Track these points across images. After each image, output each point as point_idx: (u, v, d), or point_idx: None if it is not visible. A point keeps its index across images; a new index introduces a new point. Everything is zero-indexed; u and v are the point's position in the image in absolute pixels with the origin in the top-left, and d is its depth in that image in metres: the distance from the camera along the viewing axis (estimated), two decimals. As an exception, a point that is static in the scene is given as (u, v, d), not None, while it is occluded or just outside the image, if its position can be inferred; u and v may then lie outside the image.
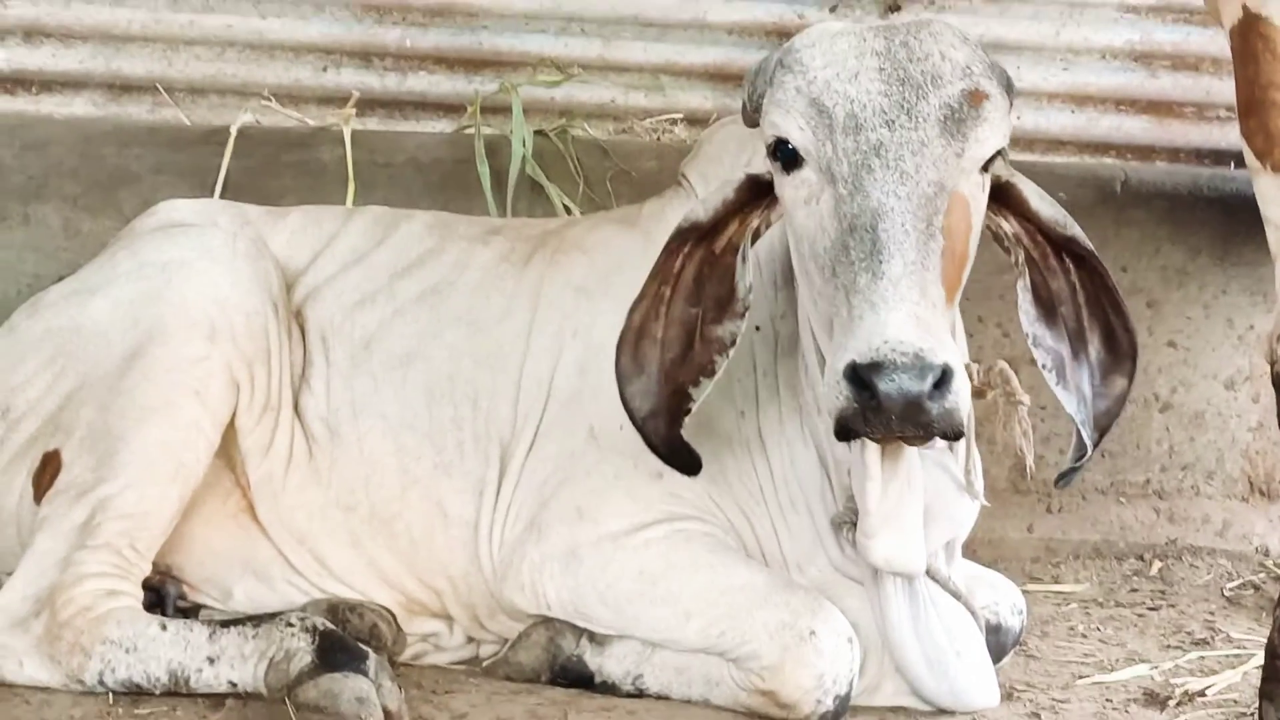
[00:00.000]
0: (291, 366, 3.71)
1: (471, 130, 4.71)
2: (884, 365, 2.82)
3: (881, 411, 2.84)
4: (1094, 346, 3.26)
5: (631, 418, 3.32)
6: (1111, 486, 4.84)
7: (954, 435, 2.91)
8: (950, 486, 3.35)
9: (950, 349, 2.90)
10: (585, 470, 3.54)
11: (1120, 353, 3.25)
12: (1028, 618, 3.84)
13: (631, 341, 3.30)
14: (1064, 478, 3.33)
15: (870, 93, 3.04)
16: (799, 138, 3.09)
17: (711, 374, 3.29)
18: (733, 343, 3.28)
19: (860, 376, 2.84)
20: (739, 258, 3.28)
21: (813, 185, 3.08)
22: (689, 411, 3.29)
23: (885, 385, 2.82)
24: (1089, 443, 3.22)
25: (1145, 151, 5.21)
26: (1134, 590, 4.56)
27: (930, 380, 2.82)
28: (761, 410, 3.53)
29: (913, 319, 2.87)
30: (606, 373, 3.50)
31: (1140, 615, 4.30)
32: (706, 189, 3.59)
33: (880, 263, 2.91)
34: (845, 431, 2.93)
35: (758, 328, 3.55)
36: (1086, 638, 4.09)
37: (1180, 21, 5.18)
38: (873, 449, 3.13)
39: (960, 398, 2.88)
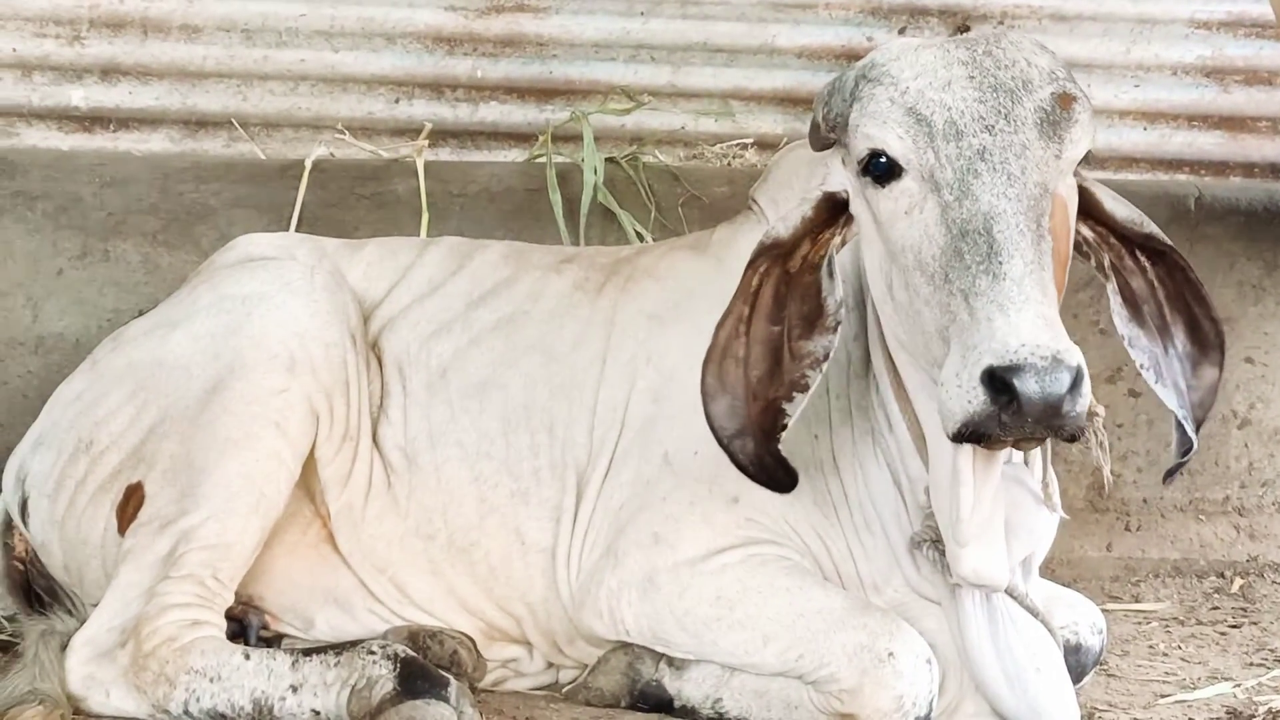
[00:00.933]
0: (370, 397, 3.74)
1: (543, 159, 4.74)
2: (1024, 368, 2.83)
3: (1020, 414, 2.86)
4: (1179, 340, 3.28)
5: (717, 437, 3.32)
6: (1191, 504, 4.82)
7: (1079, 436, 2.93)
8: (1028, 500, 3.34)
9: (1076, 348, 2.91)
10: (661, 496, 3.55)
11: (1207, 344, 3.28)
12: (1108, 637, 3.81)
13: (717, 360, 3.30)
14: (1170, 474, 3.35)
15: (966, 100, 3.08)
16: (898, 147, 3.11)
17: (805, 389, 3.28)
18: (826, 357, 3.27)
19: (1000, 379, 2.85)
20: (824, 273, 3.29)
21: (914, 195, 3.11)
22: (785, 427, 3.29)
23: (1028, 388, 2.83)
24: (1192, 435, 3.24)
25: (1219, 167, 5.19)
26: (1215, 608, 4.53)
27: (1069, 381, 2.84)
28: (834, 433, 3.54)
29: (1042, 319, 2.89)
30: (680, 399, 3.53)
31: (1222, 633, 4.28)
32: (776, 213, 3.61)
33: (1001, 264, 2.93)
34: (975, 435, 2.93)
35: (830, 350, 3.56)
36: (1168, 656, 4.07)
37: (1252, 36, 5.16)
38: (965, 456, 3.13)
39: (1088, 399, 2.91)
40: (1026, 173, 3.04)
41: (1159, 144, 5.19)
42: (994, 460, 3.18)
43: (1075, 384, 2.86)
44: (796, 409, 3.27)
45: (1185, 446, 3.26)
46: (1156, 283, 3.28)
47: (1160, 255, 3.27)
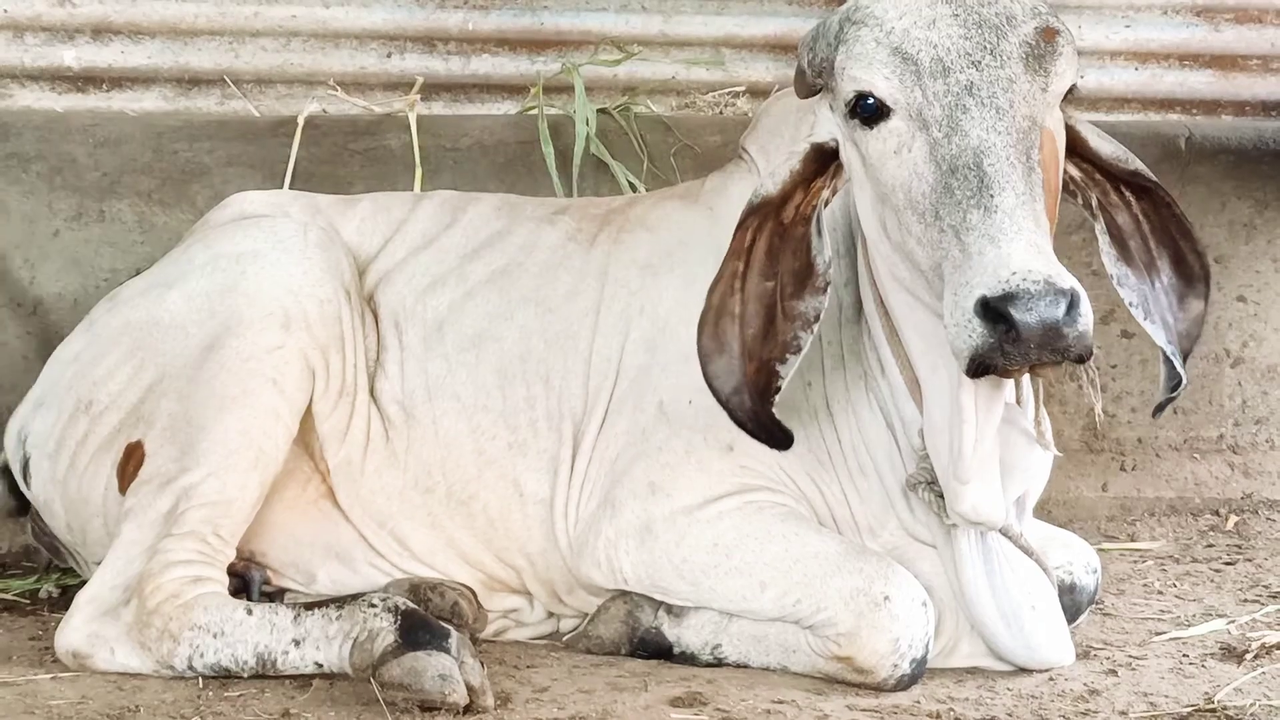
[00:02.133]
0: (366, 351, 3.76)
1: (535, 111, 4.75)
2: (1018, 295, 2.85)
3: (1021, 341, 2.87)
4: (1165, 274, 3.32)
5: (716, 395, 3.34)
6: (1185, 443, 4.84)
7: (1087, 357, 2.94)
8: (1020, 439, 3.37)
9: (1070, 274, 2.93)
10: (656, 445, 3.58)
11: (1192, 276, 3.31)
12: (1104, 576, 3.84)
13: (712, 320, 3.32)
14: (1159, 409, 3.38)
15: (951, 37, 3.10)
16: (884, 88, 3.13)
17: (798, 350, 3.29)
18: (817, 318, 3.29)
19: (994, 309, 2.87)
20: (812, 230, 3.31)
21: (902, 134, 3.13)
22: (779, 389, 3.30)
23: (1023, 315, 2.85)
24: (1180, 371, 3.27)
25: (1210, 106, 5.21)
26: (1210, 546, 4.56)
27: (1064, 305, 2.86)
28: (827, 379, 3.56)
29: (1034, 247, 2.91)
30: (674, 348, 3.55)
31: (1217, 570, 4.30)
32: (767, 161, 3.62)
33: (991, 197, 2.95)
34: (981, 368, 2.94)
35: (822, 297, 3.58)
36: (1163, 594, 4.10)
37: (1242, -26, 5.17)
38: (968, 392, 3.16)
39: (1090, 320, 2.92)
40: (1014, 106, 3.06)
41: (1150, 84, 5.20)
42: (997, 396, 3.21)
43: (1072, 306, 2.87)
44: (789, 370, 3.29)
45: (1174, 381, 3.28)
46: (1141, 217, 3.31)
47: (1145, 191, 3.30)
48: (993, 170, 2.98)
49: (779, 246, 3.32)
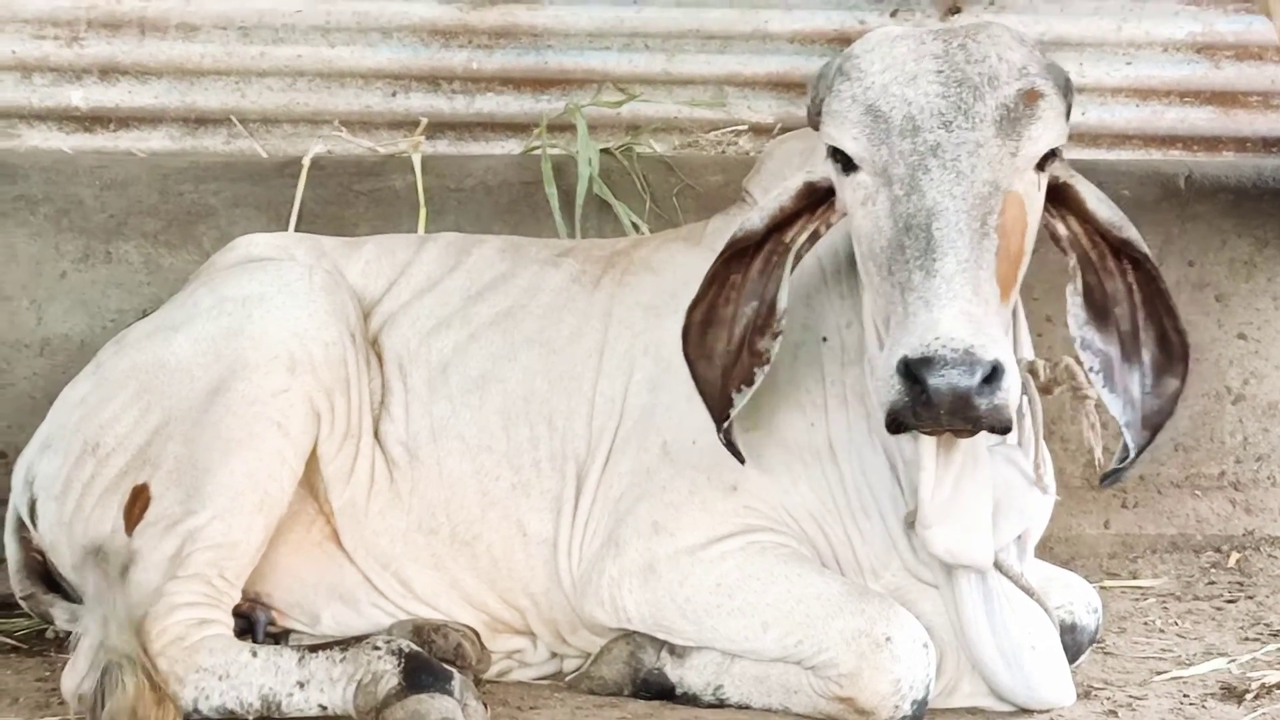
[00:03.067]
0: (371, 394, 3.78)
1: (539, 152, 4.77)
2: (934, 360, 2.91)
3: (931, 405, 2.93)
4: (1148, 349, 3.31)
5: (710, 412, 3.41)
6: (1187, 480, 4.84)
7: (1002, 430, 3.00)
8: (1019, 481, 3.39)
9: (1002, 346, 2.97)
10: (660, 485, 3.59)
11: (1174, 354, 3.31)
12: (1105, 614, 3.85)
13: (696, 337, 3.41)
14: (1108, 478, 3.39)
15: (928, 95, 3.12)
16: (853, 147, 3.18)
17: (751, 383, 3.37)
18: (768, 360, 3.36)
19: (912, 371, 2.92)
20: (784, 272, 3.35)
21: (868, 187, 3.17)
22: (729, 418, 3.38)
23: (934, 380, 2.91)
24: (1133, 446, 3.29)
25: (1211, 143, 5.22)
26: (1212, 583, 4.56)
27: (979, 376, 2.91)
28: (831, 419, 3.57)
29: (965, 315, 2.95)
30: (677, 389, 3.57)
31: (1218, 608, 4.31)
32: (770, 205, 3.65)
33: (934, 260, 3.00)
34: (896, 424, 3.02)
35: (825, 338, 3.60)
36: (1164, 633, 4.10)
37: (1242, 11, 5.18)
38: (926, 440, 3.21)
39: (1010, 394, 2.96)
40: (976, 170, 3.08)
41: (1151, 120, 5.22)
42: (955, 444, 3.23)
43: (990, 379, 2.92)
44: (741, 401, 3.38)
45: (1125, 454, 3.29)
46: (1135, 287, 3.31)
47: (1138, 262, 3.30)
48: (939, 234, 3.02)
49: (775, 264, 3.38)
